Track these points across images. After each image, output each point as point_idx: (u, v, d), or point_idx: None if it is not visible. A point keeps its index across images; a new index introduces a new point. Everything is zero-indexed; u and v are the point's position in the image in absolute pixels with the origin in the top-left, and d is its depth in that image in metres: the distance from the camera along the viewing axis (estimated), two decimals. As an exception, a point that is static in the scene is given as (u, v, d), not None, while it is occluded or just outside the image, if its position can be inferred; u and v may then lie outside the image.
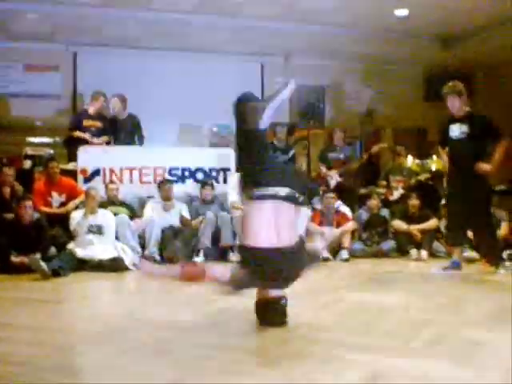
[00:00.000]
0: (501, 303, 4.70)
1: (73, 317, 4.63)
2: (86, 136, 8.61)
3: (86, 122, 8.78)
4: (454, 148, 6.45)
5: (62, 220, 7.41)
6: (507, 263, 6.41)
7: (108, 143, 8.94)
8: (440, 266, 6.71)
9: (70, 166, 8.56)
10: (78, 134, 8.67)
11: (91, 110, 8.88)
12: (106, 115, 9.05)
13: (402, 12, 10.15)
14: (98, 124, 8.84)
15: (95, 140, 8.68)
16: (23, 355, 3.22)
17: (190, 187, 8.78)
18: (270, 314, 3.75)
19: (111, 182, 8.28)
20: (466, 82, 11.74)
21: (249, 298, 3.86)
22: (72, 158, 8.68)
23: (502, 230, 7.90)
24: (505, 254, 7.41)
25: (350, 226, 8.34)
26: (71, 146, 8.82)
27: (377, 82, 12.66)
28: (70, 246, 7.00)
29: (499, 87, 12.28)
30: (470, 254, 7.75)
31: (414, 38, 11.23)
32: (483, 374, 2.87)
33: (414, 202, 8.48)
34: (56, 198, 7.80)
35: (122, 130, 9.08)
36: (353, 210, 8.81)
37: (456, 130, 6.35)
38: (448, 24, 10.70)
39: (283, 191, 3.70)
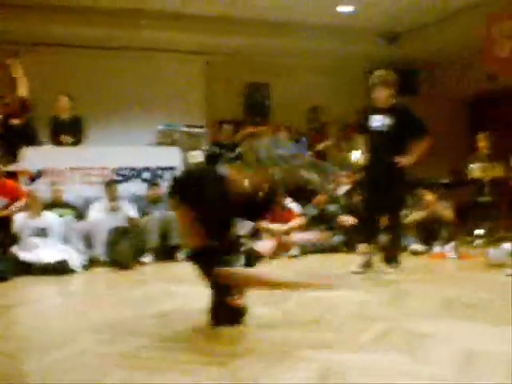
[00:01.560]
0: (446, 295, 4.79)
1: (18, 322, 4.52)
2: None
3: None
4: (375, 139, 6.21)
5: (5, 223, 7.24)
6: (396, 264, 6.18)
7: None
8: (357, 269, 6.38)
9: (13, 167, 8.35)
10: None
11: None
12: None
13: (346, 8, 10.26)
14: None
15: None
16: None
17: (136, 187, 8.68)
18: (231, 315, 3.73)
19: (55, 183, 8.12)
20: (409, 79, 12.08)
21: (197, 297, 3.84)
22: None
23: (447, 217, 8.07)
24: (448, 246, 7.58)
25: (298, 221, 8.38)
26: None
27: (322, 78, 12.75)
28: (14, 249, 6.85)
29: (442, 85, 12.52)
30: (415, 246, 7.93)
31: (358, 34, 11.35)
32: (430, 364, 2.92)
33: (358, 197, 8.56)
34: (-1, 200, 7.62)
35: (63, 129, 8.92)
36: (301, 206, 8.85)
37: (379, 121, 6.12)
38: (393, 20, 10.86)
39: None
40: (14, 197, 7.65)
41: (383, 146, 6.10)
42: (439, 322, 3.81)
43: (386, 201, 6.15)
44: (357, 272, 6.19)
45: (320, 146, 10.19)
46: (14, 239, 7.04)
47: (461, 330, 3.61)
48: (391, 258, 6.25)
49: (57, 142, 8.88)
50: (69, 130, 8.94)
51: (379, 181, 6.14)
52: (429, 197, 8.18)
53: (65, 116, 8.98)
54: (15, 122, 8.52)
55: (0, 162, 7.97)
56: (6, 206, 7.58)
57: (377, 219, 6.47)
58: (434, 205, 8.14)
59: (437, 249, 7.85)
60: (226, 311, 3.71)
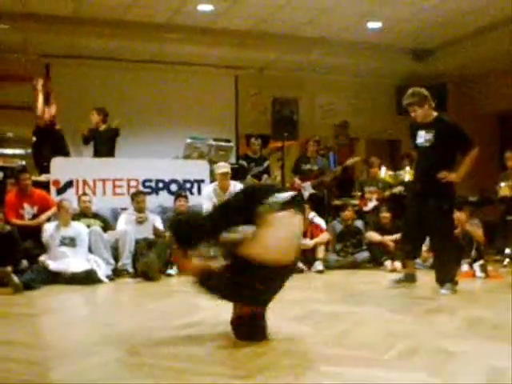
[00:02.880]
0: (474, 314, 4.74)
1: (45, 331, 4.56)
2: None
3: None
4: (419, 155, 6.16)
5: (35, 232, 7.31)
6: (450, 285, 5.87)
7: None
8: (393, 278, 6.47)
9: (43, 177, 8.47)
10: None
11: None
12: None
13: (374, 25, 10.25)
14: None
15: None
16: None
17: (163, 199, 8.74)
18: (254, 330, 3.70)
19: (84, 193, 8.20)
20: (437, 94, 12.00)
21: (223, 310, 3.84)
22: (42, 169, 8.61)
23: (479, 237, 7.94)
24: (476, 265, 7.48)
25: (324, 237, 8.35)
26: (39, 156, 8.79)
27: (350, 94, 12.76)
28: (43, 258, 6.92)
29: (470, 99, 12.42)
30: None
31: (386, 50, 11.33)
32: (454, 382, 2.88)
33: (385, 214, 8.54)
34: (28, 210, 7.69)
35: (100, 141, 9.11)
36: (327, 221, 8.83)
37: (422, 137, 6.04)
38: (420, 36, 10.83)
39: None
40: (43, 206, 7.75)
41: (427, 161, 6.02)
42: (465, 341, 3.76)
43: (433, 217, 5.97)
44: (394, 285, 6.21)
45: (349, 162, 10.17)
46: (43, 249, 7.12)
47: (487, 349, 3.56)
48: (445, 278, 5.97)
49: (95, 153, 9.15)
50: (105, 141, 9.14)
51: (424, 196, 6.00)
52: (462, 216, 7.99)
53: (101, 128, 9.13)
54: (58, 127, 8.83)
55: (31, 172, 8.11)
56: (35, 216, 7.68)
57: (419, 236, 6.32)
58: (465, 224, 7.98)
59: (464, 267, 7.75)
60: (248, 325, 3.70)
